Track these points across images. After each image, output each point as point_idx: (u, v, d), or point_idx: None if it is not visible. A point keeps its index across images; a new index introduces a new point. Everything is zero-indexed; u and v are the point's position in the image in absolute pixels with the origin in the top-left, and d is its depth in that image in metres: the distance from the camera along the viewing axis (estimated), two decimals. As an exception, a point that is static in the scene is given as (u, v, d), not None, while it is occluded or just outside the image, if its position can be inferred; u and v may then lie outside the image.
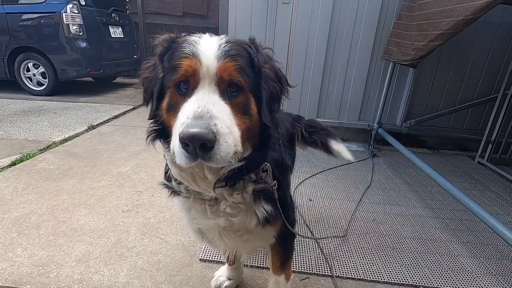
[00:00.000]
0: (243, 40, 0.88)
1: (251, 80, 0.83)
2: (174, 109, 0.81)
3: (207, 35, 0.85)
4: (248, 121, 0.83)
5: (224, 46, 0.80)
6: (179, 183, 0.97)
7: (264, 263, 1.66)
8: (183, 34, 0.90)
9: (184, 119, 0.71)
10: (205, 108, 0.72)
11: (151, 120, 0.92)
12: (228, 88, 0.79)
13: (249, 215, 0.99)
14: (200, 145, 0.68)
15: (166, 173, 1.05)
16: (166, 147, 0.88)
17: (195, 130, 0.67)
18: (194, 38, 0.83)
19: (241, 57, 0.81)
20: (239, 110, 0.80)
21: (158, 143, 0.93)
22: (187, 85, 0.79)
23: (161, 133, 0.90)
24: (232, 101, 0.79)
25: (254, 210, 0.99)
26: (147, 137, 0.92)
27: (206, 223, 1.01)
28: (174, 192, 1.03)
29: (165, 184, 1.06)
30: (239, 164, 0.85)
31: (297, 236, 1.35)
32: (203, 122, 0.69)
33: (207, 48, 0.79)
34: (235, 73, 0.79)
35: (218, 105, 0.75)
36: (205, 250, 1.74)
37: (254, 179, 0.97)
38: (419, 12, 2.66)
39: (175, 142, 0.73)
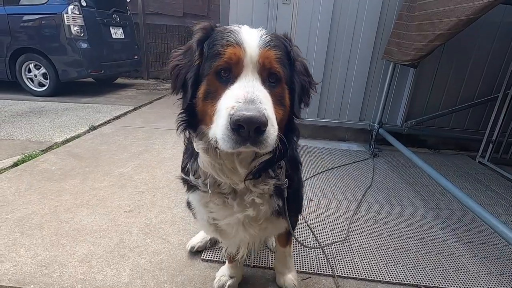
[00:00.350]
0: (279, 34, 0.91)
1: (287, 72, 0.86)
2: (212, 97, 0.81)
3: (245, 25, 0.86)
4: (282, 112, 0.85)
5: (265, 37, 0.82)
6: (197, 177, 0.99)
7: (265, 263, 1.67)
8: (218, 24, 0.91)
9: (234, 103, 0.71)
10: (254, 94, 0.73)
11: (181, 110, 0.92)
12: (268, 78, 0.82)
13: (271, 206, 1.05)
14: (255, 128, 0.69)
15: (184, 168, 1.06)
16: (195, 136, 0.90)
17: (251, 113, 0.68)
18: (234, 27, 0.84)
19: (280, 49, 0.84)
20: (276, 100, 0.82)
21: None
22: (228, 72, 0.80)
23: (191, 122, 0.90)
24: (271, 91, 0.81)
25: (272, 201, 1.05)
26: (178, 127, 0.92)
27: (226, 216, 1.03)
28: (191, 187, 1.06)
29: (183, 178, 1.07)
30: (268, 156, 0.88)
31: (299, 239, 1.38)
32: (256, 106, 0.70)
33: (250, 37, 0.80)
34: (275, 63, 0.81)
35: (262, 92, 0.77)
36: (206, 250, 1.75)
37: (272, 175, 1.01)
38: (420, 12, 2.66)
39: (219, 127, 0.73)
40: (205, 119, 0.84)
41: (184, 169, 1.07)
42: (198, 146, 0.91)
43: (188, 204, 1.23)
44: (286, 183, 1.05)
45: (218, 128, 0.74)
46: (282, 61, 0.83)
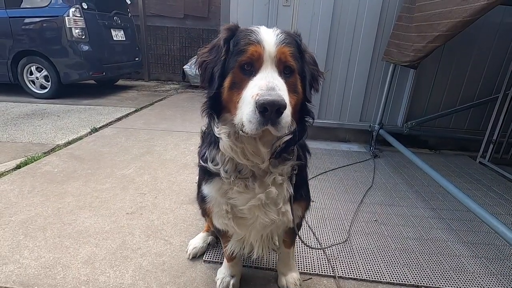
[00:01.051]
0: (290, 31, 1.04)
1: (299, 64, 1.00)
2: (238, 87, 0.94)
3: (263, 26, 1.00)
4: (296, 98, 0.99)
5: (280, 35, 0.96)
6: (216, 164, 1.09)
7: (266, 264, 1.68)
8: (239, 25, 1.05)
9: (258, 90, 0.85)
10: (273, 83, 0.87)
11: (206, 100, 1.04)
12: (283, 70, 0.95)
13: (287, 188, 1.13)
14: (276, 110, 0.82)
15: (202, 156, 1.16)
16: (218, 121, 1.02)
17: (273, 97, 0.82)
18: (254, 28, 0.98)
19: (293, 45, 0.98)
20: (290, 88, 0.96)
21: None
22: (250, 66, 0.94)
23: (215, 108, 1.02)
24: (286, 80, 0.95)
25: (288, 185, 1.13)
26: (203, 112, 1.05)
27: (248, 199, 1.10)
28: (210, 176, 1.14)
29: (202, 166, 1.16)
30: (289, 137, 1.00)
31: (304, 241, 1.40)
32: (276, 92, 0.84)
33: (268, 36, 0.95)
34: (289, 57, 0.95)
35: (280, 81, 0.91)
36: (208, 251, 1.76)
37: (288, 157, 1.10)
38: (419, 13, 2.68)
39: (246, 111, 0.87)
40: (229, 106, 0.98)
41: (202, 157, 1.16)
42: (220, 131, 1.01)
43: (202, 199, 1.23)
44: (296, 168, 1.15)
45: (245, 113, 0.87)
46: (295, 55, 0.98)
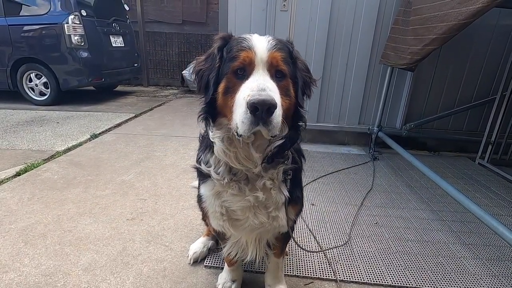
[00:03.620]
0: (283, 39, 1.08)
1: (291, 69, 1.03)
2: (231, 91, 0.97)
3: (256, 34, 1.02)
4: (288, 102, 1.01)
5: (271, 42, 0.99)
6: (209, 166, 1.13)
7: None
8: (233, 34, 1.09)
9: (249, 92, 0.88)
10: (264, 84, 0.90)
11: (203, 104, 1.06)
12: (275, 74, 0.98)
13: (279, 193, 1.15)
14: (267, 109, 0.85)
15: (198, 158, 1.21)
16: (213, 126, 1.05)
17: (263, 97, 0.84)
18: (247, 35, 1.01)
19: (284, 50, 1.01)
20: (282, 91, 0.98)
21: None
22: (243, 71, 0.97)
23: (210, 113, 1.05)
24: (278, 83, 0.97)
25: (281, 189, 1.15)
26: (199, 117, 1.08)
27: (240, 201, 1.12)
28: (204, 177, 1.18)
29: (196, 167, 1.21)
30: (281, 141, 1.03)
31: (299, 243, 1.39)
32: (266, 93, 0.87)
33: (259, 43, 0.98)
34: (280, 61, 0.98)
35: (271, 83, 0.94)
36: (209, 256, 1.76)
37: (281, 161, 1.12)
38: (415, 17, 2.71)
39: (239, 113, 0.89)
40: (224, 111, 1.01)
41: (198, 160, 1.21)
42: (214, 135, 1.05)
43: (199, 198, 1.28)
44: (290, 173, 1.16)
45: (238, 115, 0.90)
46: (286, 60, 1.01)
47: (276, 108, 0.86)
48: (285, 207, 1.17)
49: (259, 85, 0.89)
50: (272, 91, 0.90)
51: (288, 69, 1.00)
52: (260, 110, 0.84)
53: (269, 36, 1.03)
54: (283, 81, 1.00)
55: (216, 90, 1.01)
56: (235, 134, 0.95)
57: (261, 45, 0.97)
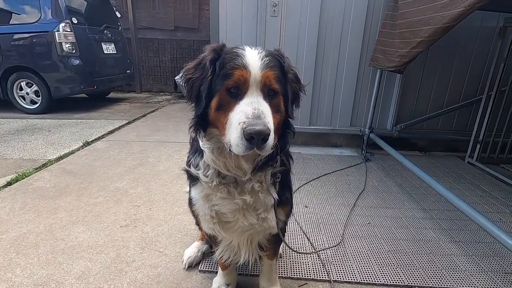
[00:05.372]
0: (274, 52, 1.09)
1: (282, 86, 1.04)
2: (225, 108, 0.98)
3: (248, 47, 1.02)
4: (279, 117, 1.04)
5: (264, 59, 0.99)
6: (198, 169, 1.15)
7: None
8: (224, 44, 1.08)
9: (244, 118, 0.89)
10: (259, 110, 0.92)
11: (194, 116, 1.08)
12: (268, 93, 0.99)
13: (268, 195, 1.17)
14: (262, 138, 0.87)
15: (188, 162, 1.22)
16: (204, 137, 1.07)
17: (260, 127, 0.87)
18: (240, 50, 1.01)
19: (276, 67, 1.03)
20: (274, 109, 1.00)
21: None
22: (237, 89, 0.97)
23: (202, 125, 1.07)
24: (270, 102, 0.99)
25: (270, 192, 1.18)
26: (190, 128, 1.10)
27: (230, 204, 1.14)
28: (193, 179, 1.19)
29: (186, 170, 1.23)
30: (270, 152, 1.01)
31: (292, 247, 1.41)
32: (262, 121, 0.89)
33: (253, 60, 0.98)
34: (273, 81, 0.99)
35: (265, 107, 0.95)
36: (204, 261, 1.76)
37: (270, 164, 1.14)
38: (401, 20, 2.78)
39: (234, 137, 0.91)
40: (216, 124, 1.03)
41: (188, 163, 1.22)
42: (204, 145, 1.08)
43: (190, 201, 1.29)
44: (279, 177, 1.19)
45: (232, 137, 0.92)
46: (279, 78, 1.02)
47: (270, 135, 0.89)
48: (274, 208, 1.19)
49: (254, 110, 0.90)
50: (267, 116, 0.92)
51: (280, 87, 1.02)
52: (256, 139, 0.87)
53: (261, 49, 1.03)
54: (275, 99, 1.01)
55: (209, 105, 1.01)
56: (228, 150, 0.97)
57: (255, 63, 0.97)
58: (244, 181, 1.12)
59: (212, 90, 1.01)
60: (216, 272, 1.62)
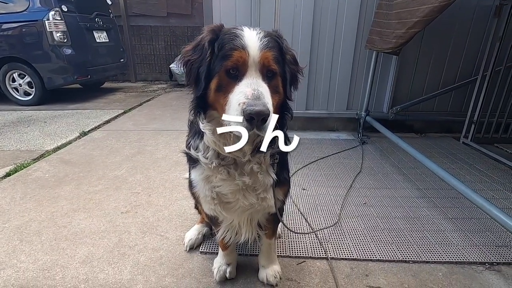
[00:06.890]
0: (272, 32, 1.08)
1: (280, 67, 1.05)
2: (224, 90, 0.98)
3: (246, 28, 1.01)
4: (278, 98, 1.05)
5: (263, 40, 0.99)
6: (198, 151, 1.16)
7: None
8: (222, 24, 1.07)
9: (244, 99, 0.90)
10: (258, 91, 0.92)
11: (193, 98, 1.09)
12: (267, 73, 1.00)
13: (267, 175, 1.19)
14: (262, 119, 0.88)
15: (187, 144, 1.23)
16: (204, 119, 1.08)
17: (259, 108, 0.87)
18: (238, 31, 1.00)
19: (275, 48, 1.02)
20: (272, 90, 1.01)
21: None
22: (236, 71, 0.97)
23: (202, 107, 1.08)
24: (269, 83, 1.00)
25: (269, 172, 1.19)
26: (191, 111, 1.11)
27: (230, 185, 1.16)
28: (193, 161, 1.21)
29: (186, 152, 1.24)
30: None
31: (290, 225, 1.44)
32: (262, 102, 0.89)
33: (252, 41, 0.97)
34: (272, 62, 0.99)
35: (264, 88, 0.96)
36: (204, 243, 1.81)
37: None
38: (398, 1, 2.74)
39: (232, 116, 0.91)
40: (215, 106, 1.03)
41: (187, 145, 1.23)
42: (205, 127, 1.08)
43: (190, 184, 1.31)
44: (277, 157, 1.20)
45: (232, 117, 0.92)
46: (277, 58, 1.02)
47: (270, 116, 0.89)
48: (273, 188, 1.22)
49: (254, 91, 0.91)
50: (266, 97, 0.92)
51: (279, 67, 1.02)
52: (256, 119, 0.88)
53: (260, 30, 1.02)
54: (273, 80, 1.02)
55: (208, 86, 1.01)
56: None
57: (253, 44, 0.96)
58: (243, 162, 1.14)
59: (211, 72, 1.01)
60: (217, 253, 1.66)
